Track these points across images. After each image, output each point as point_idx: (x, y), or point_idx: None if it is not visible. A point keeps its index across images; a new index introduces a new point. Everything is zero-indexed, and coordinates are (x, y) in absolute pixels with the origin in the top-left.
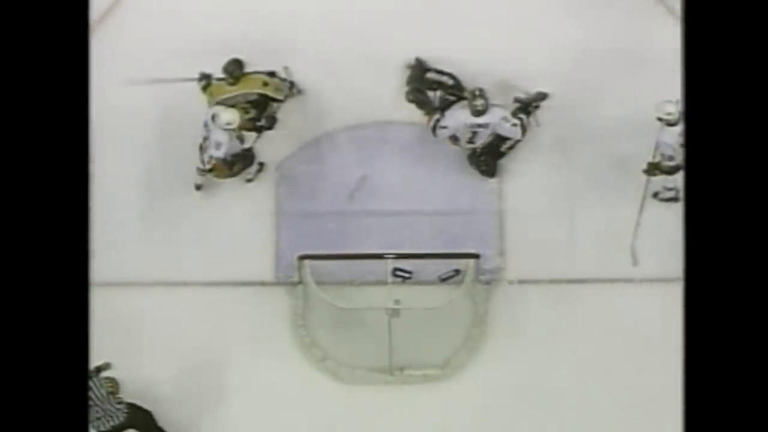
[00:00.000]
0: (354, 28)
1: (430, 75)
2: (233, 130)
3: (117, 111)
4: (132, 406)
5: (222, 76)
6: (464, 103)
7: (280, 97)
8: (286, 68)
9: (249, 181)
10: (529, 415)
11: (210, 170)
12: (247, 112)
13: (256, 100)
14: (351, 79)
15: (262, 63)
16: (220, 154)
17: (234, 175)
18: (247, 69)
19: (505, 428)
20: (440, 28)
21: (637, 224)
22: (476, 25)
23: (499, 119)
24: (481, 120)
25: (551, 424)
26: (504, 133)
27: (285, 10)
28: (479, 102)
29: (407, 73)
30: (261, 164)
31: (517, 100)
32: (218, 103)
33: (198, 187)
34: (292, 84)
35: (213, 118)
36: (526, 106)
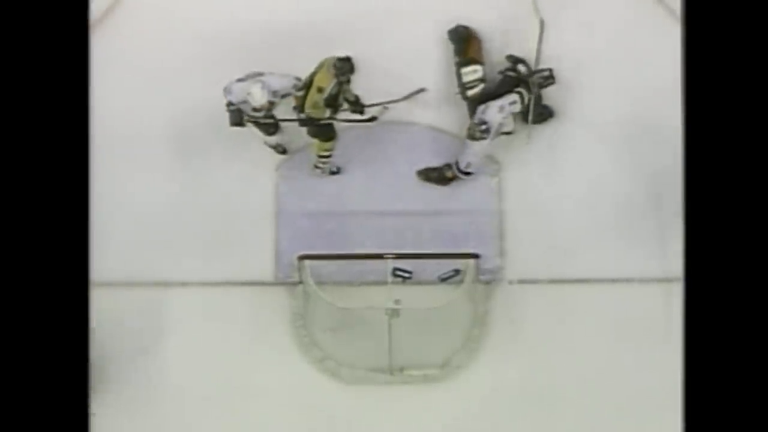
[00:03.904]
0: (354, 28)
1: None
2: (251, 105)
3: (117, 111)
4: None
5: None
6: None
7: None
8: (423, 89)
9: (275, 143)
10: (529, 415)
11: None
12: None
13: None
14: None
15: (262, 63)
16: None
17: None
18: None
19: (505, 428)
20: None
21: None
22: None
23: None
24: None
25: (551, 424)
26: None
27: (284, 10)
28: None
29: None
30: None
31: (510, 58)
32: (309, 85)
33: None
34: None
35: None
36: (537, 89)
